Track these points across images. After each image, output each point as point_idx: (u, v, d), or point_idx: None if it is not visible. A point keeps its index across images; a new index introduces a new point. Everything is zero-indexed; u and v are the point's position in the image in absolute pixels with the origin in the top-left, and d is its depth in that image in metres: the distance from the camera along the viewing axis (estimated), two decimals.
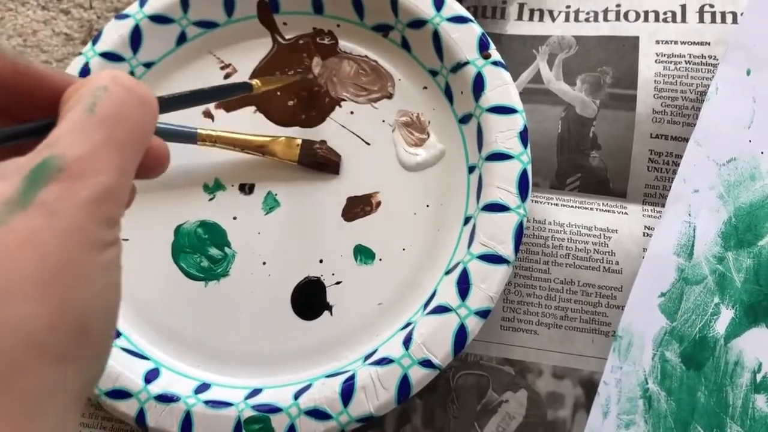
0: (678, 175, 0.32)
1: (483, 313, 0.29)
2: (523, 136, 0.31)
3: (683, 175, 0.32)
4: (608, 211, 0.34)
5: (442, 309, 0.30)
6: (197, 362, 0.32)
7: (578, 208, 0.34)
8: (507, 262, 0.30)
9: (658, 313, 0.31)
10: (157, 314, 0.33)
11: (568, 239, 0.33)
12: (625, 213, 0.34)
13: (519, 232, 0.30)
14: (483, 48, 0.33)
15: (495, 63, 0.33)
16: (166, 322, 0.33)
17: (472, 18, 0.34)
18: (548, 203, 0.34)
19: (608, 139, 0.35)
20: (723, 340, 0.30)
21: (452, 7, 0.34)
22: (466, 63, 0.33)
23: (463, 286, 0.30)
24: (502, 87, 0.32)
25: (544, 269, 0.33)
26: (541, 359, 0.32)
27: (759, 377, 0.29)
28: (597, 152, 0.35)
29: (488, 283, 0.29)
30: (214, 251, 0.34)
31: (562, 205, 0.34)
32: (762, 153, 0.32)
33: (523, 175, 0.31)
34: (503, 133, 0.32)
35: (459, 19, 0.34)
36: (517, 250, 0.30)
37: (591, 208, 0.34)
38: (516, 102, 0.32)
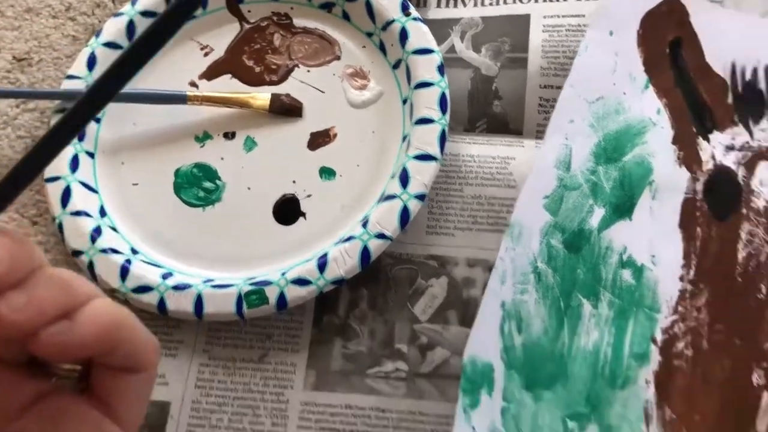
0: (556, 110, 0.42)
1: (420, 197, 0.38)
2: (441, 68, 0.41)
3: (560, 110, 0.42)
4: (508, 145, 0.43)
5: (390, 197, 0.39)
6: (202, 266, 0.40)
7: (485, 144, 0.44)
8: (435, 159, 0.39)
9: (543, 210, 0.40)
10: (166, 236, 0.41)
11: (477, 166, 0.43)
12: (522, 146, 0.43)
13: (443, 137, 0.40)
14: (405, 9, 0.43)
15: (415, 18, 0.43)
16: (175, 241, 0.41)
17: None
18: (462, 142, 0.44)
19: (507, 92, 0.45)
20: (597, 231, 0.39)
21: None
22: (393, 21, 0.43)
23: (404, 178, 0.39)
24: (421, 35, 0.42)
25: (458, 189, 0.42)
26: (458, 254, 0.40)
27: (625, 257, 0.38)
28: (499, 102, 0.45)
29: (423, 174, 0.39)
30: (208, 184, 0.42)
31: (473, 143, 0.44)
32: (624, 93, 0.42)
33: (443, 96, 0.41)
34: (425, 68, 0.41)
35: None
36: (442, 150, 0.39)
37: (495, 144, 0.44)
38: (433, 44, 0.42)
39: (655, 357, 0.36)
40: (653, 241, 0.39)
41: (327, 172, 0.42)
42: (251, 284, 0.38)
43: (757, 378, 0.35)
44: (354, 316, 0.39)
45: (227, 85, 0.45)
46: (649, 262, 0.38)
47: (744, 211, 0.39)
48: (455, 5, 0.48)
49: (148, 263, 0.40)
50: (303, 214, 0.41)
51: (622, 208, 0.39)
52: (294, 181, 0.42)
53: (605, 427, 0.35)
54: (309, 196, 0.41)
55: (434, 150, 0.39)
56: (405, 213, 0.38)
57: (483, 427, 0.35)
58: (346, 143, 0.43)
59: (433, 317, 0.39)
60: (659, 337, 0.37)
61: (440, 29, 0.47)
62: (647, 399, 0.36)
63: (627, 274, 0.38)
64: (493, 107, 0.44)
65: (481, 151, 0.43)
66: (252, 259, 0.40)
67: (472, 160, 0.43)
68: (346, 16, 0.46)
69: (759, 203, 0.39)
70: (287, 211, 0.41)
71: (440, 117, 0.40)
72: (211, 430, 0.37)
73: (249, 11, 0.47)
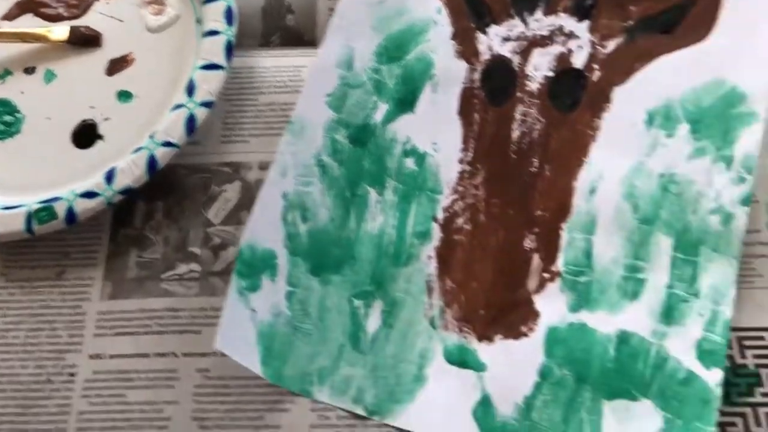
0: (336, 14, 0.43)
1: (207, 104, 0.39)
2: None
3: (341, 14, 0.43)
4: (303, 56, 0.44)
5: (177, 107, 0.39)
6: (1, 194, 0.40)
7: (280, 57, 0.45)
8: (222, 68, 0.40)
9: (326, 108, 0.41)
10: None
11: (270, 76, 0.44)
12: (316, 56, 0.44)
13: (229, 48, 0.40)
14: None
15: None
16: None
17: None
18: (258, 56, 0.45)
19: (299, 6, 0.46)
20: (381, 125, 0.40)
21: None
22: None
23: (191, 88, 0.40)
24: None
25: (253, 99, 0.43)
26: (252, 159, 0.41)
27: (408, 147, 0.40)
28: (292, 16, 0.46)
29: (209, 83, 0.39)
30: (7, 118, 0.42)
31: (268, 56, 0.45)
32: None
33: (228, 9, 0.41)
34: None
35: None
36: (229, 60, 0.40)
37: (290, 56, 0.45)
38: None
39: (437, 234, 0.38)
40: (435, 130, 0.40)
41: (124, 95, 0.42)
42: (41, 202, 0.38)
43: (528, 242, 0.37)
44: (150, 227, 0.40)
45: (31, 24, 0.45)
46: (430, 149, 0.40)
47: (519, 94, 0.40)
48: None
49: None
50: (100, 137, 0.41)
51: (405, 102, 0.41)
52: (92, 107, 0.42)
53: (390, 301, 0.37)
54: (107, 119, 0.42)
55: (220, 59, 0.40)
56: (191, 120, 0.39)
57: (265, 309, 0.36)
58: (143, 66, 0.43)
59: (226, 219, 0.40)
60: (440, 215, 0.38)
61: None
62: (429, 273, 0.37)
63: (410, 162, 0.39)
64: (287, 21, 0.45)
65: (275, 62, 0.44)
66: (51, 183, 0.40)
67: (267, 71, 0.44)
68: None
69: (532, 86, 0.41)
70: (85, 135, 0.42)
71: (226, 29, 0.41)
72: (8, 347, 0.37)
73: None
